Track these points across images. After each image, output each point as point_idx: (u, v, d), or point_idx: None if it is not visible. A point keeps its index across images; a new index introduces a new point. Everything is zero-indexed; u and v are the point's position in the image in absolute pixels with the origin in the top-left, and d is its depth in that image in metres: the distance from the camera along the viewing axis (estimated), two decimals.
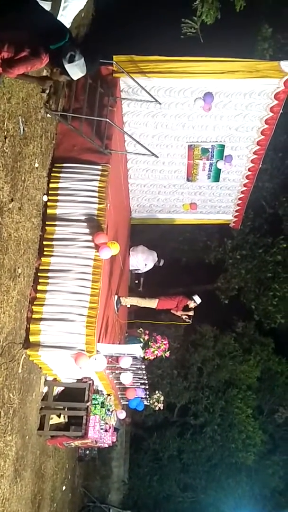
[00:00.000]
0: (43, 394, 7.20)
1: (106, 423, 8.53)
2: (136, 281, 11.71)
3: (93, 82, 6.81)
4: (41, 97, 6.00)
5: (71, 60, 3.77)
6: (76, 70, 3.84)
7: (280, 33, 9.41)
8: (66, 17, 5.90)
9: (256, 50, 9.17)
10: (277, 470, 14.93)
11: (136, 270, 11.36)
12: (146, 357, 7.39)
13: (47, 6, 5.07)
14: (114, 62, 6.85)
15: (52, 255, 6.23)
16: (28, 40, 3.65)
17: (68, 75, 3.89)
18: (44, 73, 5.15)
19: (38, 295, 6.06)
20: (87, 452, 10.87)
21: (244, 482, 14.64)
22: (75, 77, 3.94)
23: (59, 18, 5.53)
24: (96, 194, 6.53)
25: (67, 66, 3.78)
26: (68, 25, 5.90)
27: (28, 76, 4.03)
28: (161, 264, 11.34)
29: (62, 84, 6.43)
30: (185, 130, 8.44)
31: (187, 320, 9.72)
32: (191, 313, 9.68)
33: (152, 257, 11.13)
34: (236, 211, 10.77)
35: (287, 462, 15.11)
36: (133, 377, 7.48)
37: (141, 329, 8.62)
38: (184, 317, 9.65)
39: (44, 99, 6.10)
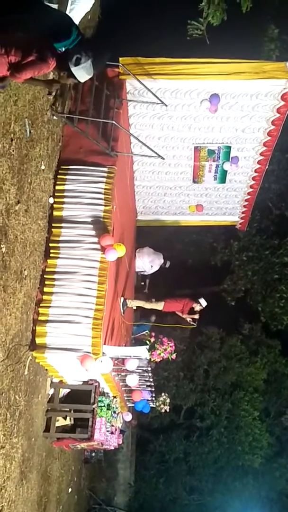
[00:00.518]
0: (49, 396, 7.20)
1: (112, 425, 8.51)
2: (142, 283, 11.69)
3: (99, 84, 6.81)
4: (47, 100, 6.01)
5: (77, 63, 3.77)
6: (82, 72, 3.84)
7: (286, 34, 9.36)
8: (72, 19, 5.91)
9: (262, 51, 9.14)
10: (284, 473, 14.83)
11: (142, 272, 11.35)
12: (152, 359, 7.35)
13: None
14: (120, 64, 6.85)
15: (58, 257, 6.23)
16: (36, 43, 3.65)
17: (75, 78, 3.88)
18: (51, 76, 5.17)
19: (44, 297, 6.07)
20: (93, 454, 10.87)
21: (250, 484, 14.56)
22: (82, 80, 3.94)
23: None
24: (102, 196, 6.54)
25: (74, 69, 3.78)
26: None
27: (35, 80, 4.03)
28: (167, 266, 11.31)
29: (69, 86, 6.44)
30: (191, 131, 8.43)
31: (192, 323, 9.69)
32: (196, 316, 9.64)
33: (158, 259, 11.12)
34: (243, 212, 10.74)
35: None
36: (139, 379, 7.46)
37: (147, 331, 8.59)
38: (188, 319, 9.62)
39: (50, 102, 6.11)
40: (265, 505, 14.72)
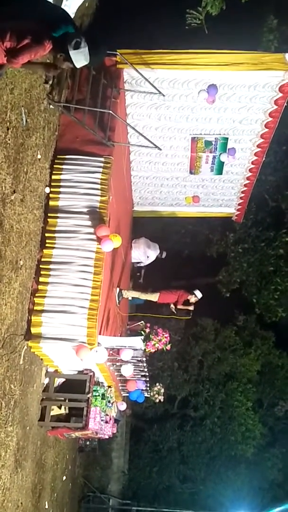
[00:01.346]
0: (44, 386, 7.23)
1: (107, 415, 8.57)
2: (138, 274, 11.71)
3: (97, 74, 6.76)
4: (44, 88, 5.96)
5: (76, 47, 3.69)
6: (80, 57, 3.73)
7: (285, 25, 9.31)
8: (70, 7, 5.85)
9: (261, 42, 9.09)
10: (276, 463, 15.04)
11: (138, 262, 11.36)
12: (147, 350, 7.39)
13: None
14: (117, 53, 6.79)
15: (54, 247, 6.22)
16: (30, 28, 3.62)
17: (72, 62, 3.80)
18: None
19: (40, 287, 6.07)
20: (88, 443, 10.95)
21: (243, 474, 14.76)
22: (78, 65, 3.82)
23: (62, 7, 5.46)
24: (98, 186, 6.51)
25: (72, 53, 3.68)
26: (72, 15, 5.84)
27: (33, 64, 3.96)
28: (163, 256, 11.32)
29: (65, 75, 6.39)
30: (189, 122, 8.39)
31: (173, 311, 9.71)
32: (191, 307, 9.66)
33: (154, 250, 11.12)
34: (239, 204, 10.73)
35: (286, 455, 15.21)
36: (134, 369, 7.49)
37: (142, 322, 8.63)
38: (171, 307, 9.64)
39: (47, 90, 6.06)
40: (257, 494, 14.95)
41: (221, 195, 10.43)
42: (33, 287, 6.05)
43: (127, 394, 9.10)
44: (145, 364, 7.60)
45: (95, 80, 6.69)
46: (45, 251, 6.19)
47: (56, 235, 6.26)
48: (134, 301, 10.66)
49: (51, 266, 6.15)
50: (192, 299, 9.55)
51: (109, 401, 8.42)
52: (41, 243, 6.21)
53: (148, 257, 11.08)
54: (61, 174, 6.47)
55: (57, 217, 6.32)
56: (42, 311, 5.98)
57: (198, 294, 9.58)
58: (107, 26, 7.17)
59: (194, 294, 9.56)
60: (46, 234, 6.25)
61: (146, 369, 7.87)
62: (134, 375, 7.85)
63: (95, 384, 7.72)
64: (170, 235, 13.85)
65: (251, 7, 8.30)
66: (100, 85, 6.71)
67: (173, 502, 14.58)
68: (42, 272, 6.11)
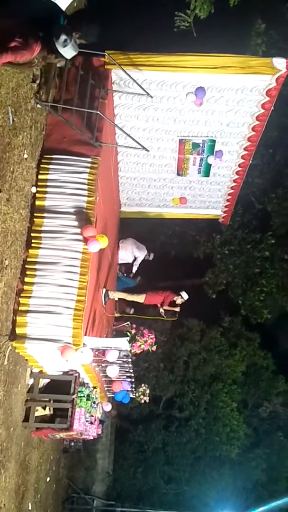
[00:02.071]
0: (29, 386, 7.19)
1: (92, 416, 8.56)
2: (125, 274, 11.69)
3: (85, 74, 6.75)
4: (31, 87, 5.93)
5: (65, 45, 3.87)
6: (70, 51, 3.96)
7: (273, 29, 9.39)
8: (59, 5, 5.82)
9: (249, 46, 9.15)
10: (260, 463, 15.12)
11: (125, 263, 11.35)
12: (132, 351, 7.40)
13: None
14: (106, 54, 6.78)
15: (40, 247, 6.19)
16: (20, 27, 3.61)
17: (63, 56, 4.02)
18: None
19: (25, 287, 6.03)
20: (72, 443, 10.91)
21: (227, 474, 14.81)
22: (69, 57, 4.11)
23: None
24: (85, 186, 6.50)
25: (62, 50, 3.85)
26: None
27: (12, 64, 4.00)
28: (150, 258, 11.33)
29: (53, 74, 6.36)
30: (176, 124, 8.41)
31: (163, 314, 9.72)
32: (177, 309, 9.69)
33: (141, 251, 11.12)
34: (226, 206, 10.79)
35: (270, 456, 15.30)
36: (120, 370, 7.50)
37: (128, 323, 8.63)
38: (161, 311, 9.64)
39: (34, 90, 6.04)
40: (241, 494, 15.02)
41: (208, 197, 10.48)
42: (18, 287, 6.01)
43: (113, 395, 9.09)
44: (130, 365, 7.61)
45: (83, 80, 6.68)
46: (30, 251, 6.16)
47: (42, 235, 6.23)
48: (123, 284, 10.68)
49: (36, 266, 6.12)
50: (178, 300, 9.58)
51: (94, 402, 8.40)
52: (26, 243, 6.18)
53: (135, 257, 11.09)
54: (48, 174, 6.44)
55: (43, 217, 6.29)
56: (27, 311, 5.95)
57: (184, 295, 9.62)
58: (96, 27, 7.15)
59: (180, 295, 9.60)
60: (32, 234, 6.22)
61: (131, 370, 7.87)
62: (119, 376, 7.85)
63: (80, 385, 7.71)
64: (157, 236, 13.87)
65: (240, 11, 8.37)
66: (88, 86, 6.70)
67: (158, 502, 14.58)
68: (27, 272, 6.08)
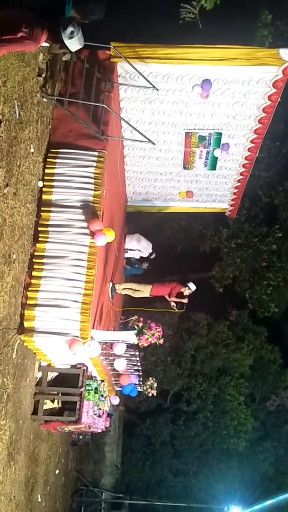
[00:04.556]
0: (37, 380, 7.24)
1: (100, 409, 8.60)
2: (147, 265, 11.65)
3: (90, 67, 6.73)
4: (37, 81, 5.92)
5: (71, 37, 3.87)
6: (75, 44, 3.94)
7: (280, 20, 9.32)
8: None
9: (255, 37, 9.09)
10: (267, 456, 15.16)
11: (131, 257, 11.36)
12: (140, 344, 7.41)
13: None
14: (111, 47, 6.76)
15: (47, 241, 6.21)
16: (27, 17, 3.61)
17: (67, 48, 3.99)
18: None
19: (33, 281, 6.06)
20: (81, 437, 10.99)
21: (235, 467, 14.86)
22: (73, 50, 4.07)
23: None
24: (92, 180, 6.50)
25: (67, 42, 3.84)
26: None
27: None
28: (152, 257, 11.33)
29: (59, 68, 6.35)
30: (183, 117, 8.38)
31: (175, 308, 9.69)
32: (185, 300, 9.66)
33: (147, 247, 11.12)
34: (232, 199, 10.76)
35: (278, 449, 15.34)
36: (127, 364, 7.52)
37: (135, 316, 8.64)
38: (172, 303, 9.62)
39: (40, 83, 6.03)
40: (248, 487, 15.05)
41: (214, 191, 10.44)
42: (26, 281, 6.04)
43: (120, 388, 9.13)
44: (138, 359, 7.63)
45: (88, 73, 6.67)
46: (38, 245, 6.18)
47: (49, 229, 6.25)
48: (130, 271, 10.69)
49: (44, 260, 6.14)
50: (186, 291, 9.53)
51: (102, 395, 8.45)
52: (34, 237, 6.20)
53: (139, 250, 11.10)
54: (54, 168, 6.45)
55: (50, 211, 6.31)
56: (35, 305, 5.98)
57: (192, 286, 9.56)
58: (101, 19, 7.11)
59: (187, 286, 9.54)
60: (39, 228, 6.24)
61: (139, 364, 7.90)
62: (127, 369, 7.88)
63: (88, 378, 7.75)
64: (163, 230, 13.86)
65: (246, 2, 8.30)
66: (93, 79, 6.69)
67: (166, 495, 14.67)
68: (35, 266, 6.11)
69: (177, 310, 10.01)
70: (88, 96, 6.55)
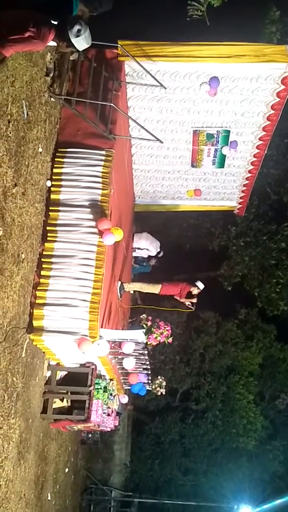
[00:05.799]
0: (46, 378, 7.26)
1: (109, 407, 8.61)
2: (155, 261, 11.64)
3: (98, 66, 6.73)
4: (45, 81, 5.93)
5: (78, 35, 3.84)
6: (82, 42, 3.93)
7: None
8: None
9: (263, 34, 9.02)
10: (277, 455, 15.11)
11: (138, 256, 11.35)
12: (149, 343, 7.41)
13: None
14: (119, 45, 6.75)
15: (55, 241, 6.22)
16: (33, 16, 3.61)
17: (74, 47, 3.98)
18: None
19: (42, 280, 6.08)
20: (90, 435, 11.02)
21: (244, 466, 14.84)
22: (81, 49, 4.07)
23: None
24: (100, 179, 6.50)
25: (74, 40, 3.83)
26: None
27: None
28: (160, 255, 11.31)
29: (66, 67, 6.36)
30: (190, 115, 8.34)
31: (190, 307, 9.67)
32: (194, 300, 9.63)
33: (155, 246, 11.10)
34: (241, 197, 10.70)
35: (287, 447, 15.27)
36: (136, 363, 7.52)
37: (144, 315, 8.64)
38: (187, 303, 9.60)
39: (48, 83, 6.04)
40: (258, 486, 15.02)
41: (223, 189, 10.40)
42: (35, 281, 6.06)
43: (129, 387, 9.14)
44: (146, 357, 7.63)
45: (96, 72, 6.66)
46: (46, 244, 6.20)
47: (57, 228, 6.26)
48: (138, 269, 10.67)
49: (52, 260, 6.16)
50: (195, 291, 9.49)
51: (111, 394, 8.45)
52: (42, 236, 6.22)
53: (147, 250, 11.08)
54: (62, 167, 6.46)
55: (59, 211, 6.32)
56: (44, 304, 6.00)
57: (200, 285, 9.52)
58: (108, 17, 7.11)
59: (196, 286, 9.51)
60: (48, 228, 6.25)
61: (147, 362, 7.89)
62: (136, 368, 7.88)
63: (97, 377, 7.75)
64: (171, 229, 13.84)
65: None
66: (101, 78, 6.68)
67: (175, 494, 14.68)
68: (43, 266, 6.12)
69: (187, 310, 9.98)
70: (95, 95, 6.55)
